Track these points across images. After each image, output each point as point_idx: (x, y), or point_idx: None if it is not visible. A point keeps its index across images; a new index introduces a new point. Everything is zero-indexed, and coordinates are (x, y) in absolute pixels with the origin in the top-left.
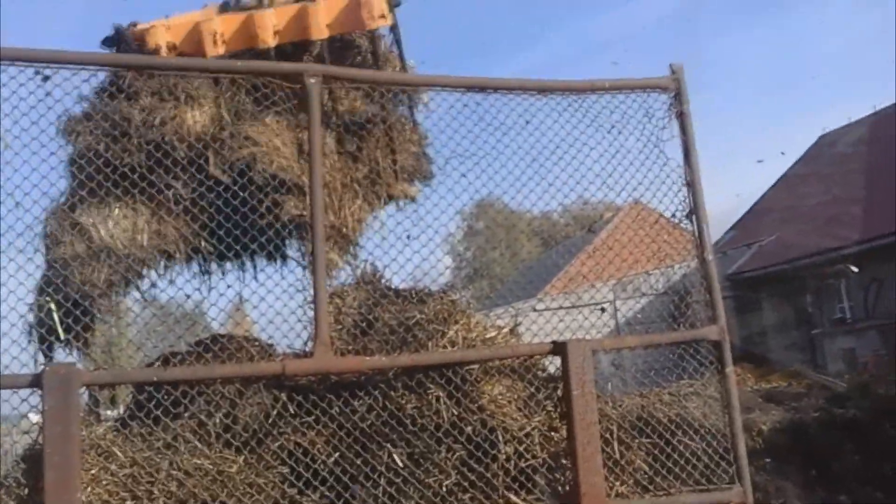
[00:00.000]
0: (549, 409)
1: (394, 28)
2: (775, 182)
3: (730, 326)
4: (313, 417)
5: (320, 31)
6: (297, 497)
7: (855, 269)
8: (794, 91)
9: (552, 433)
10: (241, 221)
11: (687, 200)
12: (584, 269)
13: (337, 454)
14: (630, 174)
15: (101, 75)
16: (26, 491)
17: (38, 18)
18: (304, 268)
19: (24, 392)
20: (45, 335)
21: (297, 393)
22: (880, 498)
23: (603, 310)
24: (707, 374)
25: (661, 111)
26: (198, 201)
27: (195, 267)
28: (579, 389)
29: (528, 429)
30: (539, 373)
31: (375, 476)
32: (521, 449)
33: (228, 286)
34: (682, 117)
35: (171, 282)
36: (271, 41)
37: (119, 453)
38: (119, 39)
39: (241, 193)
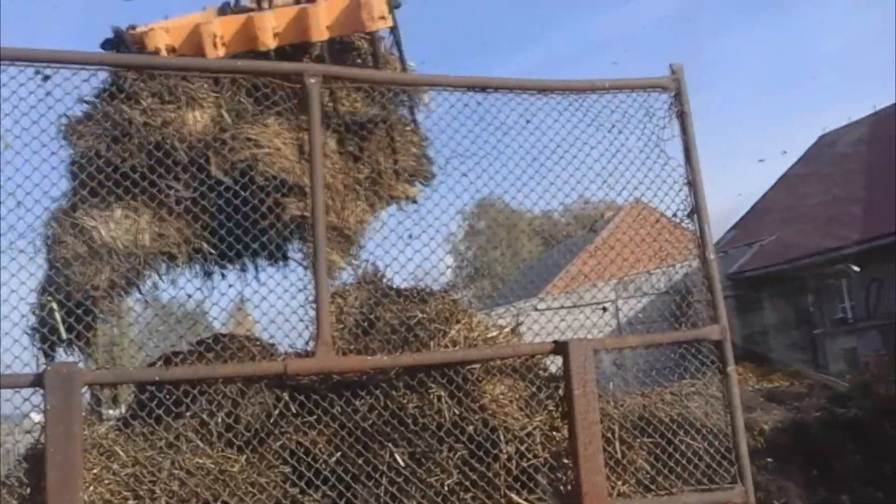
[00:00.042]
0: (551, 408)
1: (394, 30)
2: (776, 182)
3: (731, 326)
4: (315, 417)
5: (320, 32)
6: (299, 496)
7: (856, 269)
8: (793, 91)
9: (554, 433)
10: (242, 222)
11: (688, 200)
12: (585, 268)
13: (339, 454)
14: (631, 173)
15: (102, 75)
16: (28, 490)
17: (37, 18)
18: (306, 268)
19: (27, 391)
20: (46, 335)
21: (299, 392)
22: (881, 498)
23: (604, 309)
24: (708, 374)
25: (661, 111)
26: (199, 202)
27: (197, 268)
28: (581, 389)
29: (530, 428)
30: (541, 372)
31: (377, 475)
32: (522, 448)
33: (230, 285)
34: (682, 117)
35: (173, 281)
36: (271, 43)
37: (121, 453)
38: (118, 42)
39: (243, 193)
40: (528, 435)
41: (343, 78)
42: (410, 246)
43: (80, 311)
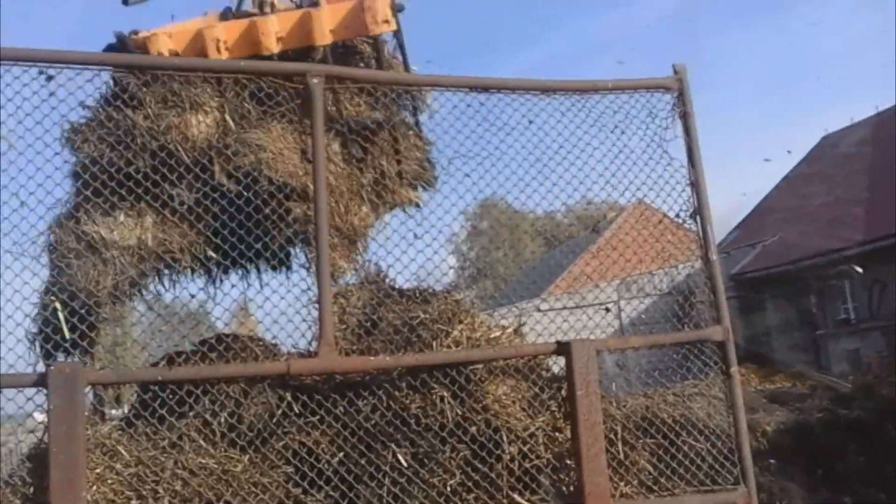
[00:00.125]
0: (554, 409)
1: (397, 33)
2: (778, 182)
3: (734, 327)
4: (318, 417)
5: (324, 36)
6: (302, 496)
7: (860, 270)
8: (794, 91)
9: (556, 433)
10: (245, 226)
11: (691, 200)
12: (587, 268)
13: (341, 454)
14: (634, 174)
15: (105, 76)
16: (32, 490)
17: (37, 18)
18: (308, 269)
19: (30, 391)
20: (50, 334)
21: (302, 392)
22: (884, 499)
23: (607, 310)
24: (711, 375)
25: (664, 111)
26: (203, 205)
27: (201, 272)
28: (583, 389)
29: (533, 429)
30: (543, 373)
31: (380, 476)
32: (525, 449)
33: (233, 286)
34: (685, 117)
35: (174, 282)
36: (275, 47)
37: (124, 452)
38: (121, 47)
39: (247, 194)
40: (531, 435)
41: (346, 78)
42: (413, 246)
43: (83, 311)
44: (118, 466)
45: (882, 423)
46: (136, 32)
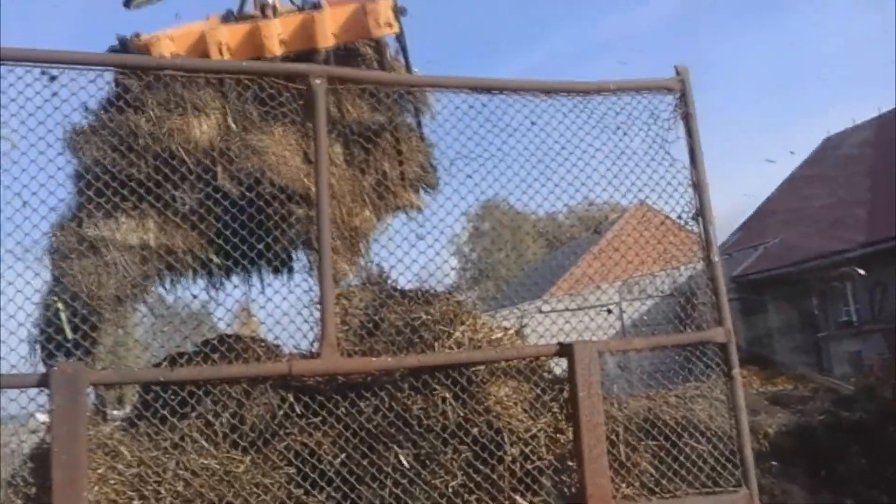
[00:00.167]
0: (555, 410)
1: (399, 35)
2: (780, 184)
3: (735, 329)
4: (320, 418)
5: (326, 39)
6: (304, 497)
7: (862, 272)
8: (796, 93)
9: (558, 435)
10: (248, 228)
11: (693, 202)
12: (589, 270)
13: (343, 455)
14: (636, 175)
15: (108, 76)
16: (34, 490)
17: (37, 19)
18: (311, 271)
19: (32, 391)
20: (52, 335)
21: (304, 393)
22: (886, 501)
23: (609, 311)
24: (713, 377)
25: (666, 112)
26: (205, 208)
27: (204, 275)
28: (585, 391)
29: (535, 430)
30: (545, 374)
31: (382, 477)
32: (527, 450)
33: (235, 286)
34: (687, 119)
35: (177, 283)
36: (277, 51)
37: (126, 453)
38: (123, 50)
39: (249, 195)
40: (533, 437)
41: (348, 79)
42: (415, 247)
43: (85, 312)
44: (120, 467)
45: (884, 424)
46: (138, 35)
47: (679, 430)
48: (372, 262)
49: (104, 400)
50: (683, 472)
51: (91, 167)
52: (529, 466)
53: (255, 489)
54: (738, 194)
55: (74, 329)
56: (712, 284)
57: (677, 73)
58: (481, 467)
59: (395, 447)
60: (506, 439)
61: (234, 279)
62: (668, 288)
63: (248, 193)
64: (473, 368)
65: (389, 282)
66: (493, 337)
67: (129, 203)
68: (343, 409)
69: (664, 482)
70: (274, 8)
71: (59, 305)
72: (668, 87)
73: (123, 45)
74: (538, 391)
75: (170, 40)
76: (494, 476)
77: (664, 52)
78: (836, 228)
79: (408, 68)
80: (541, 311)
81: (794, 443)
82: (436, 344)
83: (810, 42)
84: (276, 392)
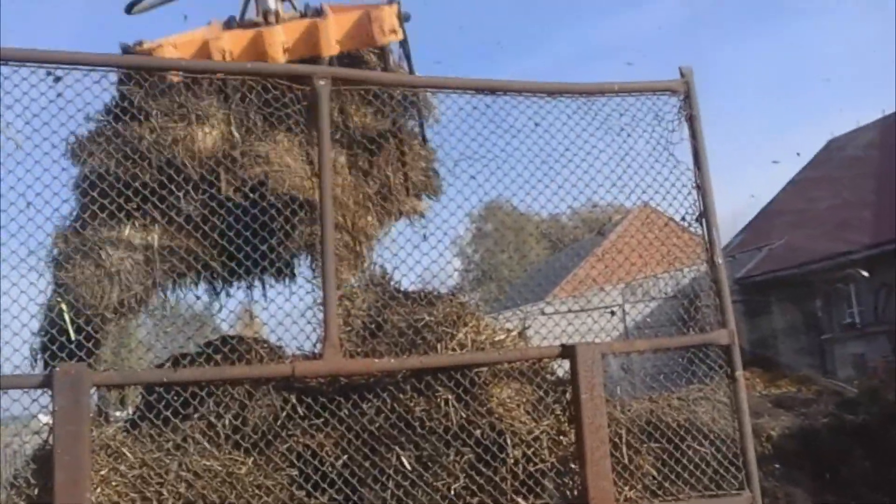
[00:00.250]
0: (558, 412)
1: (403, 42)
2: (785, 185)
3: (739, 331)
4: (322, 419)
5: (330, 47)
6: (306, 499)
7: (866, 274)
8: (800, 95)
9: (561, 437)
10: (252, 235)
11: (697, 203)
12: (593, 272)
13: (345, 456)
14: (640, 177)
15: (112, 76)
16: (36, 491)
17: (38, 19)
18: (314, 271)
19: (35, 392)
20: (56, 335)
21: (307, 395)
22: (889, 503)
23: (612, 313)
24: (716, 379)
25: (670, 114)
26: (209, 219)
27: (206, 283)
28: (588, 393)
29: (537, 432)
30: (548, 376)
31: (384, 478)
32: (529, 453)
33: (238, 288)
34: (691, 120)
35: (180, 289)
36: (281, 58)
37: (129, 454)
38: None
39: (255, 197)
40: (536, 439)
41: (352, 80)
42: (418, 249)
43: (89, 313)
44: (123, 468)
45: (887, 427)
46: (140, 43)
47: (682, 432)
48: (375, 263)
49: (107, 401)
50: (686, 475)
51: (94, 180)
52: (532, 469)
53: (257, 491)
54: (742, 196)
55: (78, 330)
56: (716, 286)
57: (682, 74)
58: (484, 469)
59: (398, 449)
60: (508, 441)
61: (239, 285)
62: (672, 290)
63: (252, 197)
64: (476, 370)
65: (392, 283)
66: (496, 339)
67: (133, 211)
68: (345, 411)
69: (667, 485)
70: (277, 14)
71: (63, 306)
72: (673, 89)
73: (126, 54)
74: (541, 393)
75: (173, 47)
76: (497, 478)
77: (668, 55)
78: (840, 230)
79: (411, 74)
80: (544, 313)
81: (797, 445)
82: (438, 345)
83: (814, 45)
84: (278, 393)
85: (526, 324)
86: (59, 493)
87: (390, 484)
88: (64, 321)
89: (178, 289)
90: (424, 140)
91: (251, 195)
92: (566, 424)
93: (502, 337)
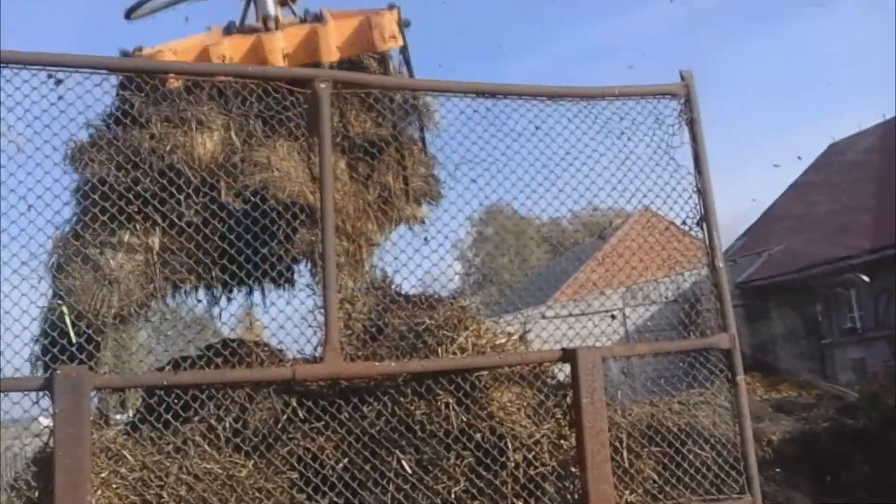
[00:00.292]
0: (559, 416)
1: (403, 48)
2: (785, 190)
3: (739, 335)
4: (323, 423)
5: (330, 53)
6: (306, 502)
7: (866, 279)
8: (801, 98)
9: (561, 441)
10: (253, 243)
11: (697, 207)
12: (593, 275)
13: (346, 460)
14: (640, 181)
15: (113, 79)
16: (37, 494)
17: (38, 19)
18: (314, 276)
19: (35, 395)
20: (56, 338)
21: (307, 398)
22: None
23: (613, 317)
24: (717, 383)
25: (671, 118)
26: (209, 224)
27: (207, 290)
28: (589, 397)
29: (538, 436)
30: (548, 380)
31: (384, 482)
32: (530, 456)
33: (238, 293)
34: (692, 124)
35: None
36: (281, 64)
37: (129, 457)
38: None
39: (256, 202)
40: (536, 443)
41: (354, 84)
42: (419, 252)
43: (89, 317)
44: (123, 471)
45: (888, 432)
46: (140, 49)
47: (683, 436)
48: (376, 266)
49: (107, 404)
50: (687, 479)
51: (94, 186)
52: (532, 472)
53: (257, 494)
54: (742, 196)
55: (78, 333)
56: (716, 290)
57: (682, 78)
58: (484, 473)
59: (398, 452)
60: (509, 445)
61: (239, 288)
62: (672, 294)
63: (256, 205)
64: (477, 374)
65: (393, 286)
66: (497, 342)
67: (133, 217)
68: (346, 414)
69: (667, 489)
70: (276, 20)
71: (64, 309)
72: (673, 93)
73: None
74: (541, 397)
75: (172, 53)
76: (497, 482)
77: (668, 57)
78: (840, 235)
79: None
80: (544, 317)
81: (797, 450)
82: (439, 349)
83: (814, 47)
84: (279, 396)
85: (526, 327)
86: (59, 496)
87: (391, 487)
88: (65, 324)
89: (179, 294)
90: (425, 146)
91: (252, 198)
92: (567, 428)
93: (503, 341)
